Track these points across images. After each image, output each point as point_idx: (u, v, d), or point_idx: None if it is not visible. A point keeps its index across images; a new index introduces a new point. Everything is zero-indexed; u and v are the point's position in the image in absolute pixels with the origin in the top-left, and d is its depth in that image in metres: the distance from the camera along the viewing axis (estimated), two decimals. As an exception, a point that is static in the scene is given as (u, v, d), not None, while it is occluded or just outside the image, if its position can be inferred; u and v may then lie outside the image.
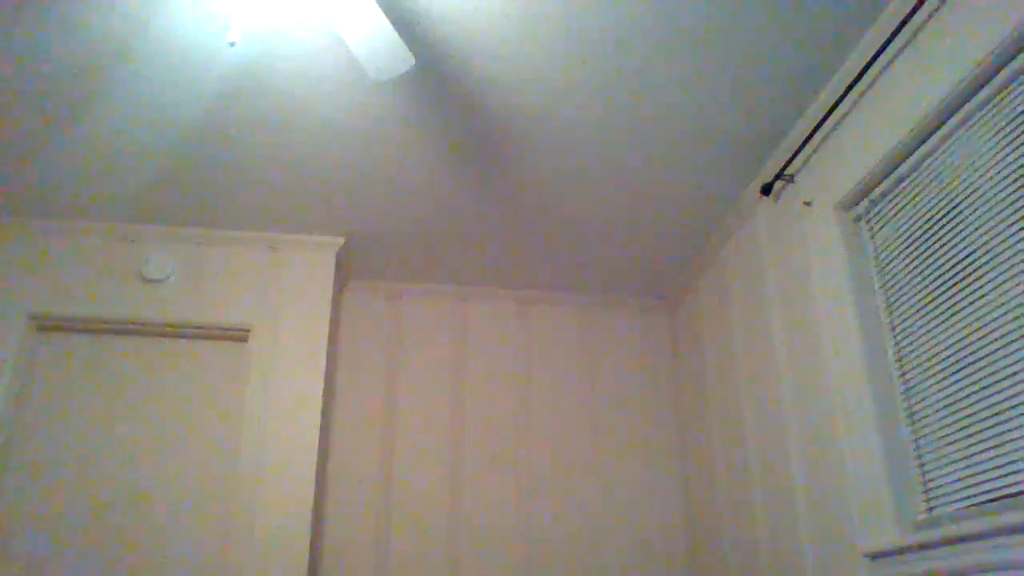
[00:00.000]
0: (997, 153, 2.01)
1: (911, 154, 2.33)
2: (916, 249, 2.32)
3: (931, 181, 2.27)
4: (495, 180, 3.27)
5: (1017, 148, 1.94)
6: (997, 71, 1.98)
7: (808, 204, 2.81)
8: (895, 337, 2.43)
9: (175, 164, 3.17)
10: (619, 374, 4.16)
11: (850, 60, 2.55)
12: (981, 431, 2.02)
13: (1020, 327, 1.91)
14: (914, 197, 2.34)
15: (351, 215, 3.53)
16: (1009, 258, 1.95)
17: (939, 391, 2.20)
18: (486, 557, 3.73)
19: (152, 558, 3.20)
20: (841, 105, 2.61)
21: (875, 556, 2.31)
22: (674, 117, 2.87)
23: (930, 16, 2.19)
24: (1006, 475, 1.93)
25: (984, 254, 2.04)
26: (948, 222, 2.19)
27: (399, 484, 3.81)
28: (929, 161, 2.27)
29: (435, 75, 2.67)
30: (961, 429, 2.10)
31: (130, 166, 3.18)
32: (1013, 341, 1.92)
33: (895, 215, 2.43)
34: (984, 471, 2.01)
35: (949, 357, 2.16)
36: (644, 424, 4.08)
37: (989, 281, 2.02)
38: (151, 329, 3.50)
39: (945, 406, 2.17)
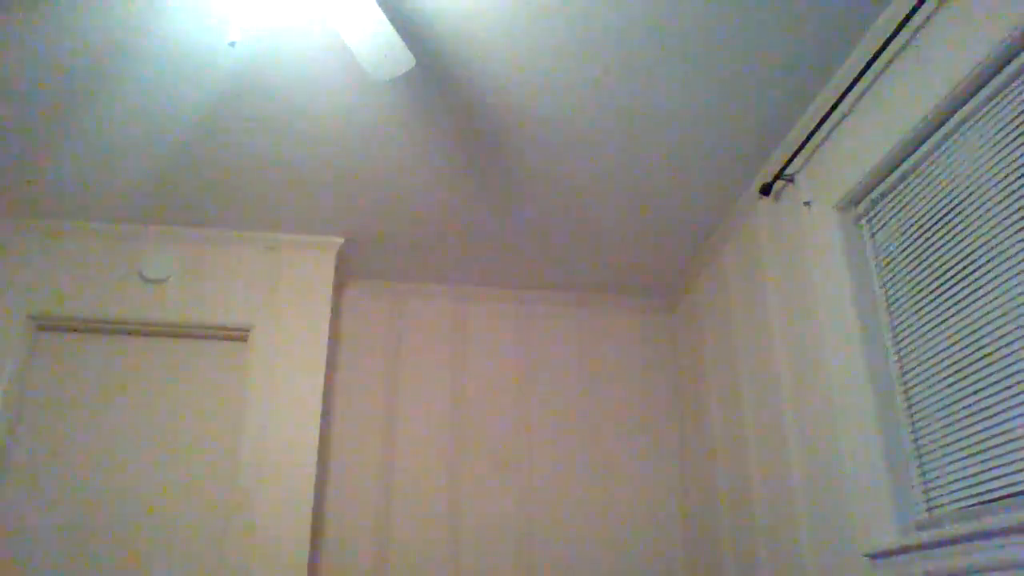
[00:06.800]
0: (997, 153, 2.00)
1: (911, 154, 2.33)
2: (916, 249, 2.32)
3: (931, 181, 2.26)
4: (495, 180, 3.27)
5: (1017, 148, 1.94)
6: (997, 71, 1.98)
7: (808, 204, 2.81)
8: (895, 337, 2.43)
9: (175, 164, 3.17)
10: (619, 374, 4.16)
11: (850, 60, 2.55)
12: (981, 431, 2.02)
13: (1020, 327, 1.91)
14: (914, 197, 2.34)
15: (351, 215, 3.53)
16: (1009, 258, 1.95)
17: (939, 391, 2.20)
18: (486, 557, 3.73)
19: (152, 558, 3.20)
20: (841, 105, 2.61)
21: (875, 556, 2.31)
22: (674, 117, 2.87)
23: (930, 16, 2.19)
24: (1006, 475, 1.93)
25: (984, 254, 2.04)
26: (948, 222, 2.19)
27: (399, 484, 3.81)
28: (929, 161, 2.27)
29: (435, 76, 2.67)
30: (961, 429, 2.10)
31: (130, 166, 3.18)
32: (1013, 341, 1.92)
33: (895, 215, 2.43)
34: (984, 471, 2.01)
35: (949, 357, 2.16)
36: (644, 424, 4.08)
37: (989, 281, 2.02)
38: (151, 329, 3.50)
39: (945, 406, 2.17)
